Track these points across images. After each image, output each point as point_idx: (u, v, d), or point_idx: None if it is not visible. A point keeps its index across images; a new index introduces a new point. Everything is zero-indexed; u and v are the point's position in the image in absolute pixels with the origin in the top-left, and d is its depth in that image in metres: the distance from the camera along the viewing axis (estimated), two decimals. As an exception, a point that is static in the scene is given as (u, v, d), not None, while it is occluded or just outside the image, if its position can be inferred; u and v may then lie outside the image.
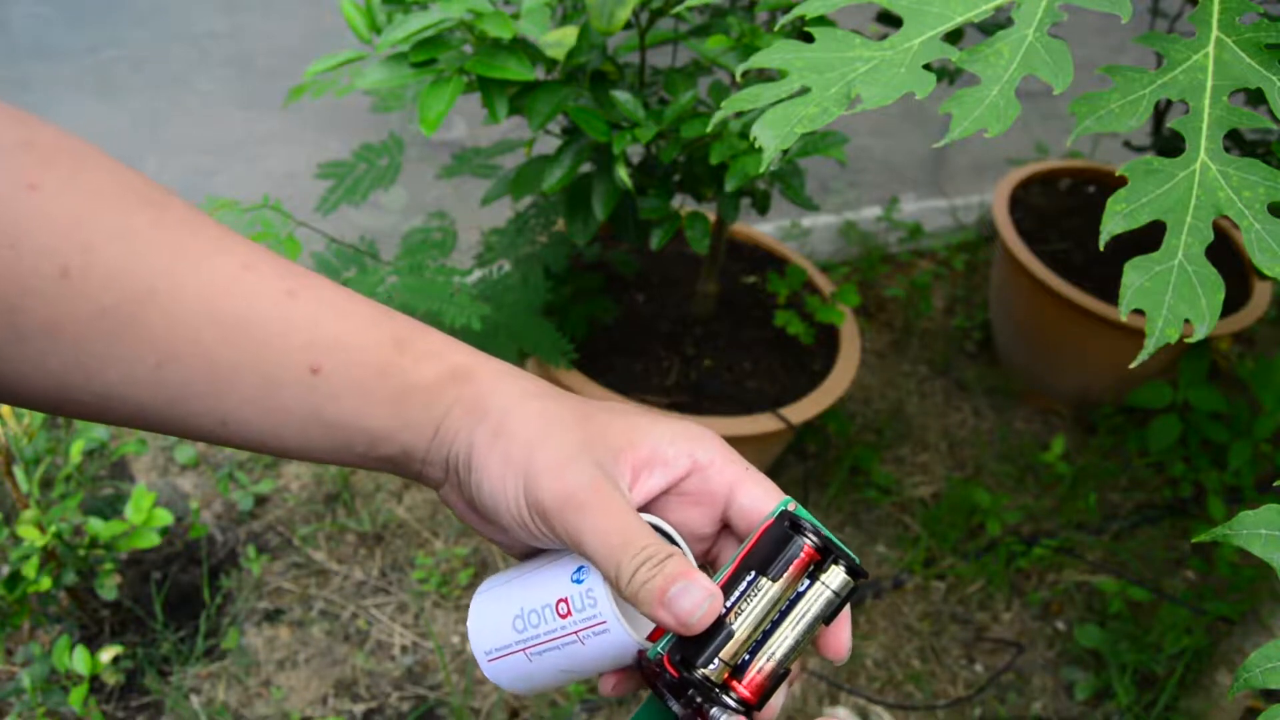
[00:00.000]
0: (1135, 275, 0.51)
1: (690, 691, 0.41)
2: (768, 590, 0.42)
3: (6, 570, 1.28)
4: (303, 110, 2.28)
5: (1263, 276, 1.71)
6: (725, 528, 0.46)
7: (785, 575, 0.42)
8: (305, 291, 0.43)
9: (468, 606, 0.52)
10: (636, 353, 1.57)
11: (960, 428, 1.91)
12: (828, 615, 0.42)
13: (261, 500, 1.64)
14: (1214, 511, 1.74)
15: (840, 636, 0.44)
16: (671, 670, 0.41)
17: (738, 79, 0.84)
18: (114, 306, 0.39)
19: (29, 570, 1.23)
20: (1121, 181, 0.54)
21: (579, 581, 0.44)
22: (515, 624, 0.46)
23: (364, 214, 2.11)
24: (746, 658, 0.42)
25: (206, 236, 0.42)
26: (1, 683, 1.35)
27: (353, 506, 1.64)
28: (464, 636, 1.50)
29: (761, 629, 0.42)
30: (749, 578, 0.42)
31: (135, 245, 0.40)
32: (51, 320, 0.39)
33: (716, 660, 0.41)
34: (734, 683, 0.41)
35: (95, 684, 1.36)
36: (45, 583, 1.24)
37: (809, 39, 0.60)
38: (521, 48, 1.03)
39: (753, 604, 0.42)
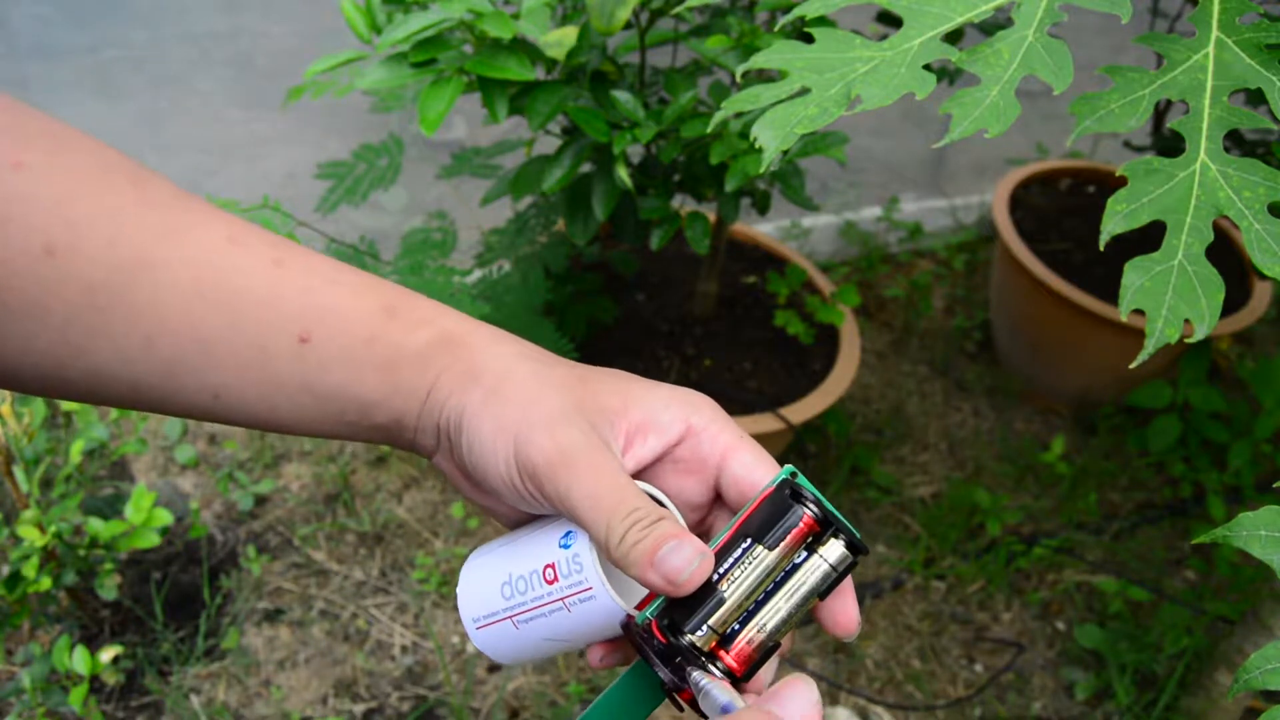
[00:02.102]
0: (1135, 275, 0.51)
1: (677, 659, 0.40)
2: (763, 559, 0.41)
3: (6, 570, 1.28)
4: (303, 110, 2.28)
5: (1263, 276, 1.71)
6: (719, 498, 0.46)
7: (782, 545, 0.41)
8: (293, 261, 0.43)
9: None
10: (636, 353, 1.57)
11: (960, 428, 1.91)
12: (823, 590, 0.41)
13: (261, 500, 1.64)
14: (1214, 511, 1.74)
15: (848, 611, 0.43)
16: (659, 636, 0.40)
17: (738, 79, 0.84)
18: (101, 282, 0.39)
19: (29, 570, 1.23)
20: (1121, 181, 0.54)
21: (566, 546, 0.43)
22: (503, 590, 0.45)
23: (364, 214, 2.11)
24: (736, 627, 0.41)
25: (191, 212, 0.42)
26: (1, 683, 1.35)
27: (353, 506, 1.64)
28: (464, 636, 1.50)
29: (754, 598, 0.41)
30: (744, 545, 0.41)
31: (120, 221, 0.40)
32: (39, 298, 0.39)
33: (705, 627, 0.40)
34: (721, 652, 0.41)
35: (95, 684, 1.36)
36: (45, 583, 1.24)
37: (809, 39, 0.60)
38: (521, 48, 1.03)
39: (746, 572, 0.41)
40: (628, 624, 0.42)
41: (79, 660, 1.25)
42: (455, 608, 1.53)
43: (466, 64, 1.02)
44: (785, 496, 0.42)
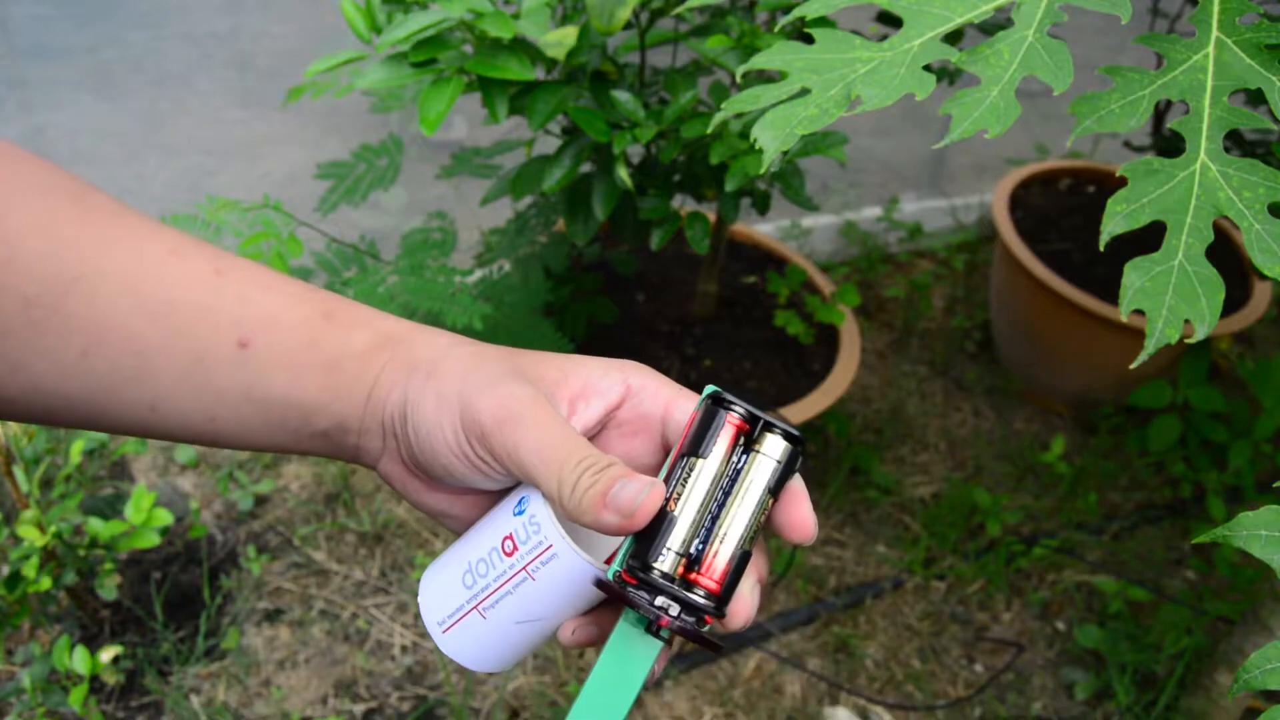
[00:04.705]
0: (1135, 275, 0.51)
1: (658, 599, 0.39)
2: (700, 468, 0.41)
3: (6, 570, 1.28)
4: (303, 110, 2.28)
5: (1263, 276, 1.71)
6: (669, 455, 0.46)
7: (715, 450, 0.41)
8: (233, 271, 0.43)
9: None
10: (636, 353, 1.57)
11: (960, 428, 1.91)
12: (774, 486, 0.41)
13: (261, 500, 1.64)
14: (1214, 511, 1.74)
15: (800, 512, 0.42)
16: (630, 580, 0.40)
17: (738, 79, 0.84)
18: (37, 297, 0.39)
19: (29, 570, 1.23)
20: (1121, 182, 0.54)
21: (520, 512, 0.42)
22: (465, 580, 0.44)
23: (364, 214, 2.11)
24: (700, 545, 0.40)
25: (131, 225, 0.42)
26: (1, 683, 1.35)
27: (353, 506, 1.64)
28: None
29: (707, 511, 0.41)
30: (684, 463, 0.41)
31: (57, 235, 0.40)
32: None
33: (665, 551, 0.40)
34: (694, 576, 0.40)
35: (95, 684, 1.36)
36: (45, 583, 1.24)
37: (809, 40, 0.60)
38: (521, 48, 1.03)
39: (690, 486, 0.41)
40: (602, 582, 0.41)
41: (79, 660, 1.25)
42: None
43: (466, 64, 1.02)
44: (709, 406, 0.42)
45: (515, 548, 0.42)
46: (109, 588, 1.33)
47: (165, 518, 1.32)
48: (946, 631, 1.60)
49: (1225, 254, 1.88)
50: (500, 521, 0.43)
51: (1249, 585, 1.63)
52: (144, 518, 1.31)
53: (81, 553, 1.31)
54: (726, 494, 0.41)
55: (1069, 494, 1.79)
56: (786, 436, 0.41)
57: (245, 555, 1.56)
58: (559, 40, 1.03)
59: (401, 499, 1.66)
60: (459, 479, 0.44)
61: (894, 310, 2.11)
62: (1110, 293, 1.75)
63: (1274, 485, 0.53)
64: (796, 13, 0.60)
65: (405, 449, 0.44)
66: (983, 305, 2.13)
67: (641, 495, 0.39)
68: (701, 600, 0.40)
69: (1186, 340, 0.51)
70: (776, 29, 0.76)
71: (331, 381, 0.43)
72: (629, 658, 0.41)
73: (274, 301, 0.43)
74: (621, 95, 1.10)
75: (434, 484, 0.45)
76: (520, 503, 0.42)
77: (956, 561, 1.68)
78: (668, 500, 0.40)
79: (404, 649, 1.48)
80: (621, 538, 0.42)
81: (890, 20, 1.26)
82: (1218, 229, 1.83)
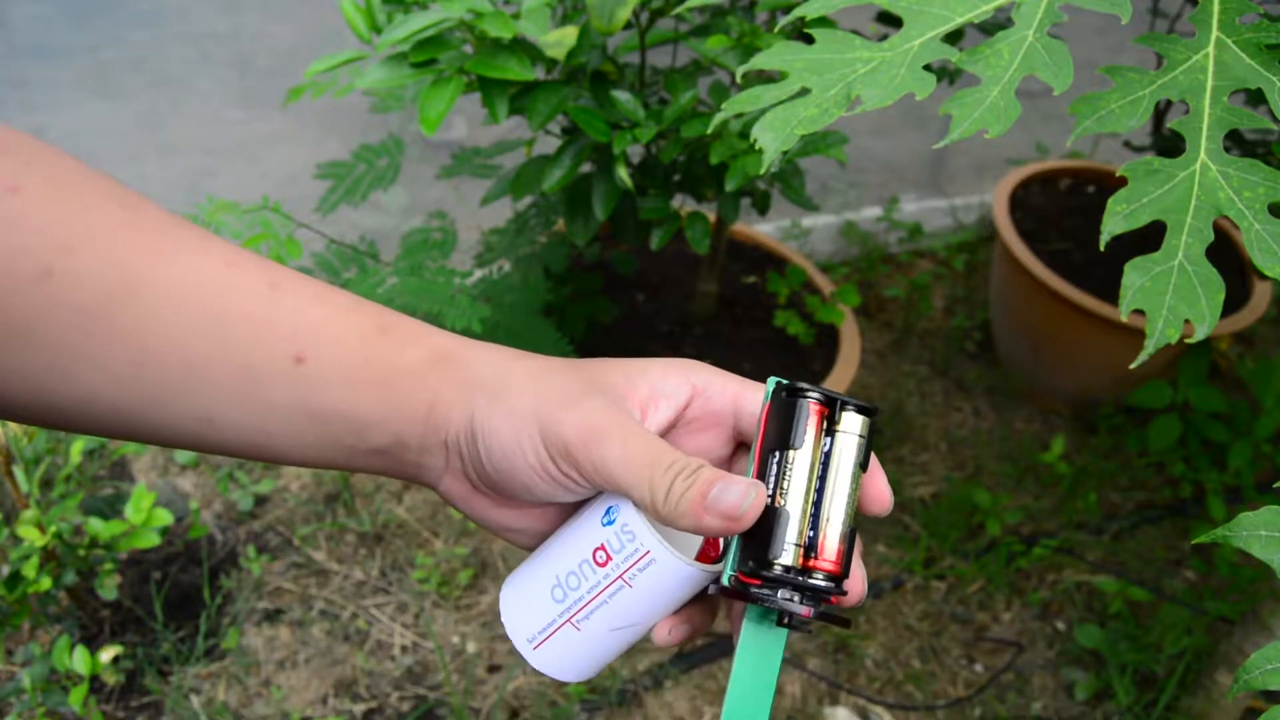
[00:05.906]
0: (1135, 275, 0.51)
1: (781, 593, 0.40)
2: (798, 460, 0.42)
3: (6, 570, 1.28)
4: (303, 111, 2.28)
5: (1263, 276, 1.71)
6: (739, 447, 0.47)
7: (807, 438, 0.42)
8: (286, 284, 0.43)
9: (468, 607, 0.50)
10: (636, 353, 1.57)
11: (960, 428, 1.91)
12: (863, 460, 0.43)
13: (261, 500, 1.64)
14: (1214, 511, 1.74)
15: (879, 484, 0.44)
16: (750, 580, 0.41)
17: (738, 79, 0.84)
18: (94, 307, 0.39)
19: (29, 570, 1.23)
20: (1121, 182, 0.54)
21: (610, 523, 0.42)
22: (554, 594, 0.44)
23: (364, 214, 2.11)
24: (812, 533, 0.42)
25: (184, 236, 0.42)
26: (1, 683, 1.35)
27: (353, 506, 1.64)
28: (464, 636, 1.50)
29: (811, 499, 0.42)
30: (776, 457, 0.42)
31: (114, 246, 0.40)
32: (31, 322, 0.38)
33: (786, 545, 0.41)
34: (813, 563, 0.41)
35: (95, 684, 1.36)
36: (45, 583, 1.24)
37: (809, 40, 0.60)
38: (522, 48, 1.03)
39: (791, 478, 0.42)
40: (724, 588, 0.42)
41: (79, 660, 1.25)
42: (456, 608, 1.53)
43: (466, 64, 1.02)
44: (785, 399, 0.43)
45: (609, 557, 0.42)
46: (109, 588, 1.33)
47: (165, 518, 1.32)
48: (946, 631, 1.60)
49: (1225, 254, 1.88)
50: (587, 533, 0.43)
51: (1249, 585, 1.63)
52: (144, 518, 1.31)
53: (81, 553, 1.31)
54: (822, 478, 0.42)
55: (1069, 494, 1.79)
56: (861, 410, 0.43)
57: (245, 555, 1.56)
58: (559, 40, 1.03)
59: (401, 499, 1.66)
60: (538, 495, 0.43)
61: (894, 310, 2.11)
62: (1110, 293, 1.75)
63: (1274, 485, 0.53)
64: (796, 13, 0.60)
65: (475, 468, 0.44)
66: (983, 305, 2.13)
67: (749, 498, 0.39)
68: (824, 583, 0.41)
69: (1186, 340, 0.51)
70: (776, 29, 0.76)
71: (388, 398, 0.43)
72: (761, 654, 0.43)
73: (328, 315, 0.43)
74: (621, 95, 1.10)
75: (502, 500, 0.45)
76: (608, 512, 0.43)
77: (956, 561, 1.68)
78: (771, 497, 0.42)
79: (404, 649, 1.48)
80: (712, 537, 0.42)
81: (890, 20, 1.26)
82: (1218, 229, 1.83)
